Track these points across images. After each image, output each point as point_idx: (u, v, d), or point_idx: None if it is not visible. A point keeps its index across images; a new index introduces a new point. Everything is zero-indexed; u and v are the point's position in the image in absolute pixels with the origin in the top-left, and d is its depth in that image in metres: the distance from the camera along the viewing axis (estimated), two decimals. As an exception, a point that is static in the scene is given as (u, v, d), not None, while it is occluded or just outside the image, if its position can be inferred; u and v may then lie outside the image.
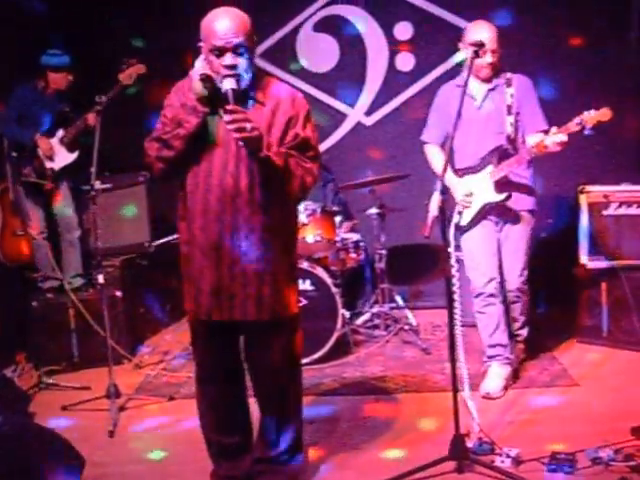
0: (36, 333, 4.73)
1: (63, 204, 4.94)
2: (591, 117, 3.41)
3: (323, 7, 5.75)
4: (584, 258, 4.62)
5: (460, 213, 3.88)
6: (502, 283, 3.99)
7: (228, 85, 2.56)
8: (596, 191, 4.59)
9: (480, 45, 3.47)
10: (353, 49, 5.77)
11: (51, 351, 4.69)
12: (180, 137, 2.65)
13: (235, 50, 2.60)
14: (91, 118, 4.57)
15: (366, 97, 5.82)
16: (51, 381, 4.41)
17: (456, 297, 3.32)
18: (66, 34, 5.22)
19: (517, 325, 4.14)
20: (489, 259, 3.96)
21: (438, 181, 3.17)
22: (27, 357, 4.67)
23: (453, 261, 3.32)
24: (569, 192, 4.90)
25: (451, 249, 3.39)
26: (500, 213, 3.93)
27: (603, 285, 4.58)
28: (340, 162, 5.78)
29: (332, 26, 5.77)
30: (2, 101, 4.82)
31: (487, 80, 3.87)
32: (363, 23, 5.74)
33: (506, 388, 3.90)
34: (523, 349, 4.23)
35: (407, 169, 5.05)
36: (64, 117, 4.83)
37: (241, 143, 2.58)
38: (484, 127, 3.88)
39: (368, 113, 5.85)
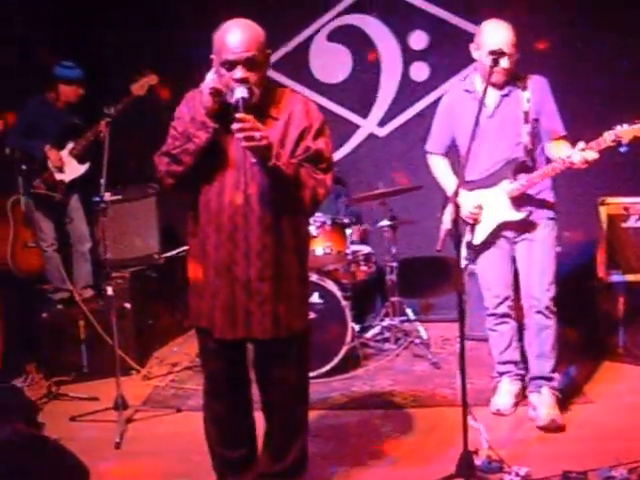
0: (46, 344, 4.74)
1: (74, 216, 4.93)
2: (627, 131, 3.18)
3: (336, 17, 5.74)
4: (602, 271, 4.53)
5: (472, 230, 3.63)
6: (518, 300, 3.79)
7: (239, 94, 2.52)
8: (616, 203, 4.51)
9: (501, 54, 3.29)
10: (367, 59, 5.75)
11: (61, 362, 4.69)
12: (190, 152, 2.62)
13: (246, 64, 2.56)
14: (102, 129, 4.56)
15: (379, 108, 5.78)
16: (60, 391, 4.43)
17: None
18: (77, 44, 5.24)
19: (549, 366, 3.70)
20: (502, 279, 3.76)
21: (451, 194, 3.04)
22: (37, 367, 4.66)
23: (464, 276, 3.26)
24: (588, 204, 4.80)
25: (462, 264, 3.33)
26: (516, 227, 3.65)
27: (621, 299, 4.50)
28: (352, 173, 5.76)
29: (346, 36, 5.76)
30: (12, 112, 4.84)
31: (500, 86, 3.58)
32: (377, 32, 5.71)
33: (517, 404, 3.82)
34: (557, 400, 3.69)
35: (420, 181, 5.00)
36: (74, 129, 4.82)
37: (252, 157, 2.55)
38: (497, 137, 3.60)
39: (381, 124, 5.81)
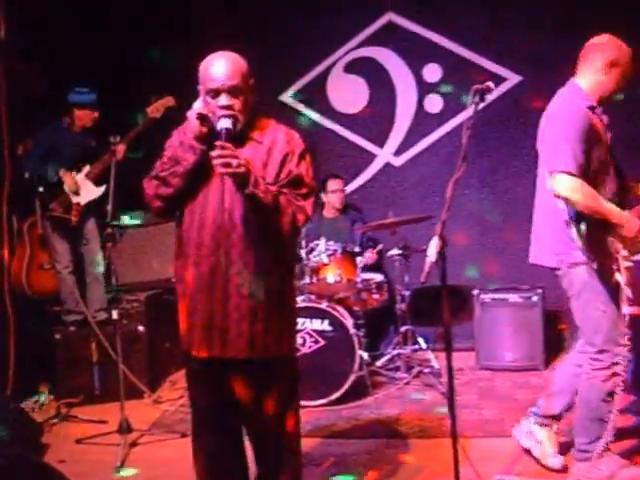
0: (59, 365, 4.81)
1: (89, 239, 5.01)
2: None
3: (354, 49, 5.85)
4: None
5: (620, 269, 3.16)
6: None
7: (224, 124, 2.61)
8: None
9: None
10: (382, 90, 5.83)
11: (73, 383, 4.77)
12: (178, 174, 2.69)
13: (230, 91, 2.66)
14: (118, 152, 4.63)
15: (395, 138, 5.85)
16: (70, 413, 4.49)
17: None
18: (95, 68, 5.30)
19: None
20: None
21: (437, 225, 2.97)
22: (49, 389, 4.75)
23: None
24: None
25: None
26: None
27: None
28: (369, 202, 5.83)
29: (362, 68, 5.85)
30: (29, 138, 4.97)
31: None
32: (392, 65, 5.80)
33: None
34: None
35: (436, 210, 4.99)
36: (91, 152, 4.91)
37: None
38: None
39: (397, 154, 5.87)
